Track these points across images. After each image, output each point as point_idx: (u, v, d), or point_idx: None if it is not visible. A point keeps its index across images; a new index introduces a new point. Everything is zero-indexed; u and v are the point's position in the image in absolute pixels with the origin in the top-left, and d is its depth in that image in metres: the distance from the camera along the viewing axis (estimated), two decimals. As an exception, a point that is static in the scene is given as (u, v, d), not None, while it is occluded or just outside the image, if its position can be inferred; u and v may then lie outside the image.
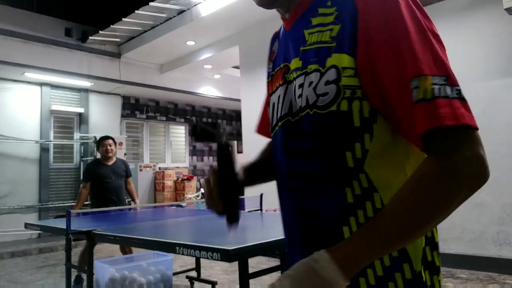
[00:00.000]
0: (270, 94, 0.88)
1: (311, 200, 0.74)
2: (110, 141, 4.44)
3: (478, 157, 0.62)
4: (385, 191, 0.68)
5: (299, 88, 0.74)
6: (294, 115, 0.76)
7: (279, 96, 0.81)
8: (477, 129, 0.65)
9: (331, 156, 0.70)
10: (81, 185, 4.49)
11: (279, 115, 0.81)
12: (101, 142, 4.44)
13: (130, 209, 4.50)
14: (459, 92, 0.65)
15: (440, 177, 0.60)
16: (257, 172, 1.00)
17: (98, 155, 4.68)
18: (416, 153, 0.70)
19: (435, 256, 0.72)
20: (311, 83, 0.71)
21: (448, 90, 0.63)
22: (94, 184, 4.34)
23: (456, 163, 0.60)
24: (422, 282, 0.68)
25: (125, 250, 4.22)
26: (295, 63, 0.76)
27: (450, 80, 0.64)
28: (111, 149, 4.42)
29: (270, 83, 0.89)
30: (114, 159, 4.48)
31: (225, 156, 0.84)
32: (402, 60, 0.63)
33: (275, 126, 0.83)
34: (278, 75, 0.83)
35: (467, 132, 0.64)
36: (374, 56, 0.65)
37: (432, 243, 0.72)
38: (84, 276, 3.40)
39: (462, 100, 0.66)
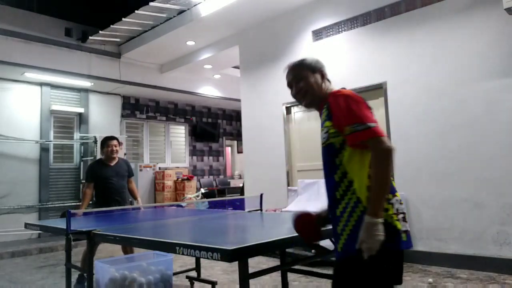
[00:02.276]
0: None
1: (327, 183, 1.72)
2: (115, 142, 4.43)
3: (386, 145, 1.49)
4: (353, 175, 1.58)
5: (321, 137, 1.74)
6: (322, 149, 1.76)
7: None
8: (380, 135, 1.51)
9: (330, 163, 1.69)
10: (85, 186, 4.47)
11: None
12: (106, 142, 4.42)
13: (133, 209, 4.49)
14: (366, 125, 1.52)
15: (375, 159, 1.50)
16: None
17: (99, 155, 4.68)
18: (358, 155, 1.58)
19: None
20: (322, 135, 1.73)
21: (359, 127, 1.52)
22: (97, 184, 4.33)
23: (382, 149, 1.49)
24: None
25: (126, 250, 4.22)
26: (321, 128, 1.74)
27: (361, 122, 1.53)
28: (116, 150, 4.41)
29: None
30: (117, 159, 4.47)
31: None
32: (341, 120, 1.59)
33: None
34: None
35: (376, 138, 1.51)
36: (336, 119, 1.62)
37: (387, 200, 1.53)
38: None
39: (369, 127, 1.52)
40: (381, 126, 1.58)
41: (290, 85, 1.91)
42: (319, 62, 1.93)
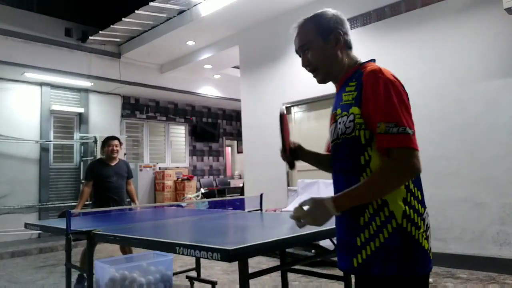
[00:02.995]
0: (330, 126, 1.48)
1: (342, 182, 1.36)
2: (116, 142, 4.45)
3: (410, 163, 1.22)
4: None
5: (339, 124, 1.37)
6: (335, 140, 1.41)
7: (332, 129, 1.44)
8: (414, 148, 1.23)
9: (352, 159, 1.32)
10: (84, 184, 4.50)
11: (332, 139, 1.45)
12: (108, 142, 4.44)
13: (130, 209, 4.50)
14: (404, 129, 1.21)
15: (386, 169, 1.23)
16: (313, 155, 1.68)
17: (99, 155, 4.67)
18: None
19: (415, 216, 1.26)
20: (343, 122, 1.34)
21: (395, 129, 1.21)
22: (96, 183, 4.35)
23: (408, 165, 1.22)
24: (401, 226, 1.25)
25: (125, 250, 4.22)
26: (338, 111, 1.39)
27: (398, 123, 1.21)
28: (117, 150, 4.43)
29: (330, 119, 1.48)
30: (117, 159, 4.49)
31: (280, 121, 1.60)
32: (376, 112, 1.24)
33: (331, 144, 1.46)
34: (332, 116, 1.45)
35: (407, 150, 1.22)
36: (366, 109, 1.27)
37: (411, 207, 1.26)
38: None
39: (406, 133, 1.21)
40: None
41: (297, 53, 1.53)
42: (337, 18, 1.46)
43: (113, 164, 4.41)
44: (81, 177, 8.22)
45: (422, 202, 1.30)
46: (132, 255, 3.87)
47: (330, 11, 1.49)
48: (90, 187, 4.36)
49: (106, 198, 4.26)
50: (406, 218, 1.23)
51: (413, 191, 1.28)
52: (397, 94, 1.24)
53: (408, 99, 1.30)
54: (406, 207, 1.24)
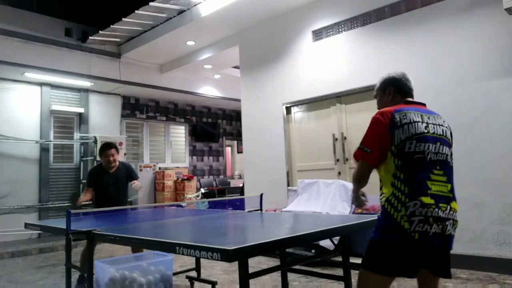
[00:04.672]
0: None
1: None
2: (113, 151, 4.29)
3: (358, 167, 1.99)
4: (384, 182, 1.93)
5: None
6: None
7: None
8: (358, 159, 1.96)
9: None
10: (85, 189, 4.43)
11: None
12: (104, 151, 4.28)
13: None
14: (366, 149, 1.91)
15: (356, 169, 2.00)
16: None
17: (99, 157, 4.61)
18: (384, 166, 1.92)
19: (395, 202, 1.80)
20: None
21: (360, 146, 1.94)
22: (96, 190, 4.30)
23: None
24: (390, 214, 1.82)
25: (137, 249, 4.18)
26: None
27: (364, 144, 1.92)
28: (114, 159, 4.29)
29: None
30: (117, 164, 4.38)
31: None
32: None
33: None
34: None
35: (361, 161, 1.95)
36: None
37: (394, 196, 1.81)
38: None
39: (361, 149, 1.93)
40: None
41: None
42: (395, 80, 2.09)
43: (112, 170, 4.32)
44: (81, 177, 8.23)
45: (407, 195, 1.77)
46: (134, 254, 3.83)
47: (391, 74, 2.14)
48: (91, 193, 4.31)
49: (105, 206, 4.11)
50: (388, 202, 1.82)
51: (398, 186, 1.80)
52: (371, 124, 1.92)
53: (388, 122, 1.85)
54: (390, 196, 1.82)
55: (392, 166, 1.84)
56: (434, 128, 1.91)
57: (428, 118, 1.93)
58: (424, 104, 2.04)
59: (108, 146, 4.31)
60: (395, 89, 2.07)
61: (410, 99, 2.05)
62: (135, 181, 4.47)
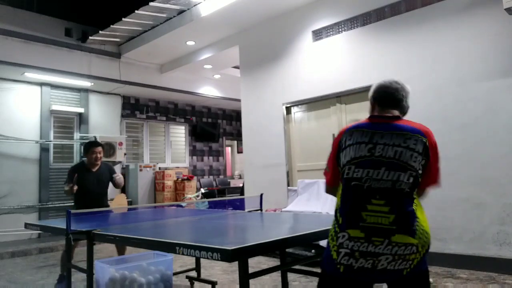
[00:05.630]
0: None
1: None
2: (100, 149, 4.33)
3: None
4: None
5: None
6: None
7: None
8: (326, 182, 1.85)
9: None
10: (65, 184, 4.34)
11: None
12: (91, 148, 4.28)
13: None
14: (326, 166, 1.84)
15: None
16: None
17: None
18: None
19: (333, 234, 1.67)
20: None
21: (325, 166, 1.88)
22: (77, 188, 4.21)
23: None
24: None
25: (120, 250, 4.20)
26: None
27: (327, 161, 1.85)
28: (100, 157, 4.31)
29: None
30: (99, 165, 4.37)
31: None
32: None
33: None
34: None
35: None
36: None
37: (334, 227, 1.68)
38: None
39: (325, 168, 1.85)
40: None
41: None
42: (374, 90, 1.92)
43: (95, 169, 4.31)
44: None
45: (340, 225, 1.64)
46: (125, 256, 3.82)
47: (377, 84, 1.97)
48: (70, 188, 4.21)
49: (85, 205, 4.10)
50: (331, 230, 1.70)
51: (336, 215, 1.69)
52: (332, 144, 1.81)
53: (337, 143, 1.76)
54: (332, 225, 1.70)
55: (338, 193, 1.73)
56: (383, 150, 1.62)
57: (381, 137, 1.65)
58: (396, 118, 1.73)
59: (95, 144, 4.40)
60: (374, 99, 1.86)
61: (377, 114, 1.78)
62: (117, 174, 4.43)
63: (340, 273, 1.60)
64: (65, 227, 2.62)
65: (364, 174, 1.61)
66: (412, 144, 1.62)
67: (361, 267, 1.57)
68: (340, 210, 1.66)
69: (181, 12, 6.63)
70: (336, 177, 1.75)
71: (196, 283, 3.94)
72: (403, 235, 1.55)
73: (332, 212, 1.76)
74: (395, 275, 1.58)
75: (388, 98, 1.79)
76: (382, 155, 1.62)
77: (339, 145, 1.74)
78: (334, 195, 1.81)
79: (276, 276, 3.85)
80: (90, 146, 4.35)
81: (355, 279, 1.60)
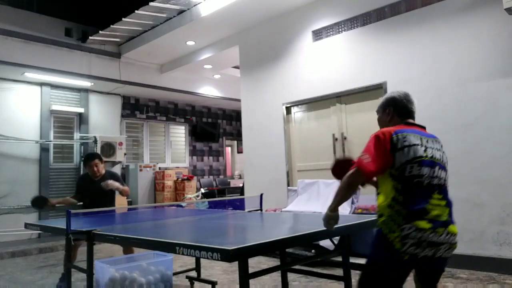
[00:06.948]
0: None
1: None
2: (96, 161, 4.32)
3: (354, 172, 1.88)
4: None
5: None
6: None
7: None
8: (360, 167, 1.85)
9: None
10: (72, 195, 4.52)
11: None
12: (88, 162, 4.32)
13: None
14: (366, 157, 1.85)
15: (348, 175, 1.90)
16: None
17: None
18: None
19: (392, 224, 1.80)
20: None
21: (361, 156, 1.87)
22: (82, 198, 4.37)
23: (350, 174, 1.90)
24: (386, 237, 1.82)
25: (126, 249, 4.19)
26: None
27: (364, 153, 1.87)
28: (98, 169, 4.31)
29: None
30: (102, 172, 4.38)
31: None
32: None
33: None
34: None
35: (358, 167, 1.86)
36: None
37: (391, 218, 1.81)
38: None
39: (361, 156, 1.87)
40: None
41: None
42: (391, 98, 2.10)
43: (97, 179, 4.33)
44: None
45: (404, 218, 1.77)
46: (132, 255, 3.85)
47: (391, 94, 2.15)
48: (75, 199, 4.41)
49: None
50: (384, 223, 1.83)
51: (396, 209, 1.80)
52: (371, 141, 1.90)
53: (388, 142, 1.85)
54: (388, 218, 1.82)
55: (391, 189, 1.84)
56: (432, 152, 1.92)
57: (427, 142, 1.94)
58: (424, 127, 2.04)
59: (91, 157, 4.38)
60: (394, 110, 2.07)
61: (410, 121, 2.05)
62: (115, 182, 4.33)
63: (403, 261, 1.77)
64: (65, 227, 2.62)
65: (425, 172, 1.85)
66: (444, 150, 2.06)
67: (424, 256, 1.77)
68: (403, 204, 1.79)
69: (181, 12, 6.64)
70: (385, 167, 1.85)
71: (196, 283, 3.94)
72: (454, 225, 1.86)
73: None
74: (444, 262, 1.88)
75: (409, 110, 2.08)
76: (433, 156, 1.92)
77: (392, 145, 1.85)
78: (363, 184, 2.01)
79: (276, 276, 3.85)
80: (86, 160, 4.38)
81: (416, 267, 1.87)
